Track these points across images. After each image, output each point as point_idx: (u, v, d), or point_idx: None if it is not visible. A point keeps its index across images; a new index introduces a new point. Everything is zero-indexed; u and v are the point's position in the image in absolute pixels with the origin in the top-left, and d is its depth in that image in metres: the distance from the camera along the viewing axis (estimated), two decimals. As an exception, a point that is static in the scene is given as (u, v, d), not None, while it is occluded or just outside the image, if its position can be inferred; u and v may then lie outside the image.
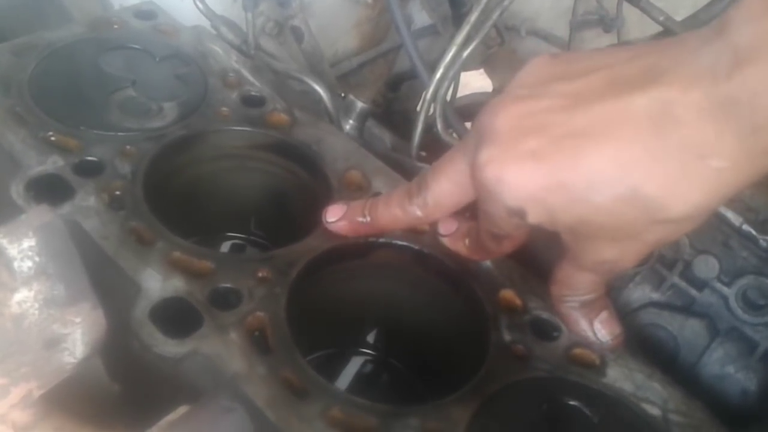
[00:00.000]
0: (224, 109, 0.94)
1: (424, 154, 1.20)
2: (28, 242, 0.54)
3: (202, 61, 1.01)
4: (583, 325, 0.72)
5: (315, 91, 1.04)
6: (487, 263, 0.82)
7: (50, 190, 0.77)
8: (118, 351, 0.67)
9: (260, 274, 0.75)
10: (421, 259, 0.83)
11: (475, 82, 1.80)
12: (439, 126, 1.06)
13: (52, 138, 0.83)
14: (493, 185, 0.62)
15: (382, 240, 0.82)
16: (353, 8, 1.67)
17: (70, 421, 0.65)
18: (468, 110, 1.45)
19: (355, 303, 0.88)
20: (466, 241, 0.77)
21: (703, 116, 0.52)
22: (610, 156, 0.56)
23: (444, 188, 0.71)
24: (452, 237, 0.79)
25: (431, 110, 1.06)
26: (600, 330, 0.72)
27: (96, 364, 0.67)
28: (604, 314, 0.72)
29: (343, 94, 1.44)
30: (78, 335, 0.60)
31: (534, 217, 0.62)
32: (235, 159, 0.94)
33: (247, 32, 1.07)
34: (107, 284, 0.70)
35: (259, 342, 0.69)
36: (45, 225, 0.55)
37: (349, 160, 0.92)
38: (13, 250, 0.54)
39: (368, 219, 0.78)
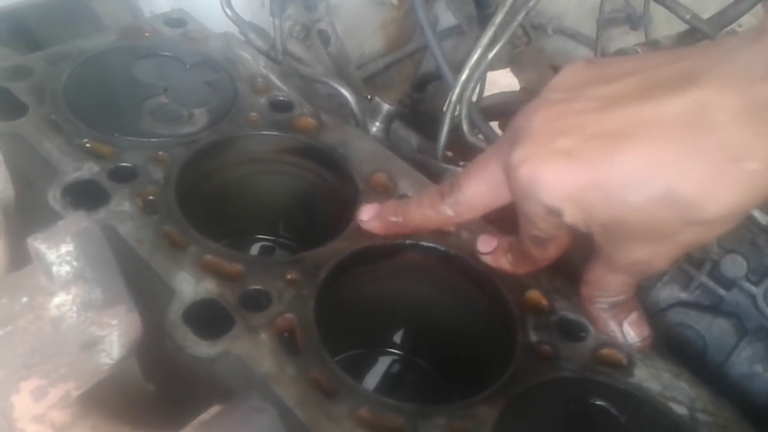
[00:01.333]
0: (253, 114, 0.96)
1: (450, 154, 1.21)
2: (66, 247, 0.56)
3: (231, 67, 1.03)
4: (612, 326, 0.72)
5: (341, 94, 1.06)
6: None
7: (86, 195, 0.79)
8: (154, 352, 0.69)
9: (289, 276, 0.77)
10: (447, 261, 0.84)
11: (503, 80, 1.79)
12: (465, 127, 1.07)
13: (87, 145, 0.86)
14: (528, 184, 0.62)
15: (409, 241, 0.83)
16: (379, 10, 1.68)
17: (108, 421, 0.67)
18: (495, 110, 1.46)
19: (382, 304, 0.89)
20: (509, 256, 0.77)
21: (740, 118, 0.52)
22: (645, 156, 0.56)
23: (477, 189, 0.71)
24: (493, 254, 0.78)
25: (457, 111, 1.07)
26: (629, 332, 0.72)
27: (132, 365, 0.69)
28: (633, 316, 0.72)
29: (369, 97, 1.45)
30: (114, 337, 0.62)
31: (570, 216, 0.62)
32: (264, 163, 0.96)
33: (275, 38, 1.09)
34: (142, 287, 0.72)
35: (288, 343, 0.71)
36: (82, 230, 0.57)
37: (374, 163, 0.93)
38: (51, 256, 0.56)
39: (400, 219, 0.78)
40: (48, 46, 1.05)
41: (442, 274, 0.86)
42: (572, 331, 0.77)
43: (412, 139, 1.27)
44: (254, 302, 0.73)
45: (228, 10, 1.11)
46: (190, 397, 0.74)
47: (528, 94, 1.54)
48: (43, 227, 0.60)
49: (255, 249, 1.00)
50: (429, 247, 0.84)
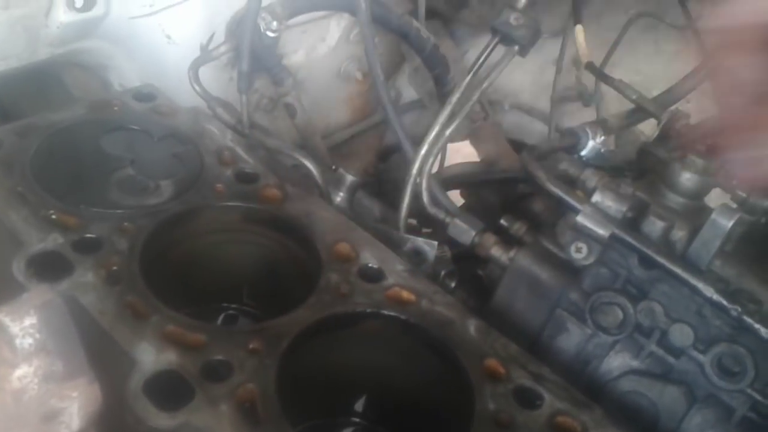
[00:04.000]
0: (219, 185, 0.98)
1: (414, 222, 1.24)
2: (30, 320, 0.57)
3: (198, 140, 1.06)
4: None
5: (305, 166, 1.09)
6: (471, 332, 0.85)
7: (50, 266, 0.80)
8: (114, 424, 0.69)
9: (251, 346, 0.78)
10: (407, 330, 0.86)
11: (465, 148, 1.86)
12: (426, 199, 1.11)
13: (53, 216, 0.87)
14: None
15: (369, 310, 0.85)
16: (344, 84, 1.75)
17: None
18: (456, 180, 1.51)
19: (344, 372, 0.90)
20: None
21: None
22: None
23: None
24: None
25: (418, 181, 1.11)
26: None
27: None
28: None
29: (334, 167, 1.50)
30: (75, 409, 0.62)
31: None
32: (229, 233, 0.98)
33: (241, 112, 1.13)
34: (104, 358, 0.73)
35: (249, 413, 0.71)
36: (46, 303, 0.58)
37: (337, 233, 0.96)
38: (15, 328, 0.56)
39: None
40: (19, 116, 1.07)
41: (403, 342, 0.87)
42: (528, 399, 0.79)
43: (375, 208, 1.31)
44: (215, 373, 0.74)
45: (196, 86, 1.15)
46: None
47: (487, 166, 1.60)
48: (9, 298, 0.61)
49: (219, 318, 1.01)
50: (389, 316, 0.86)
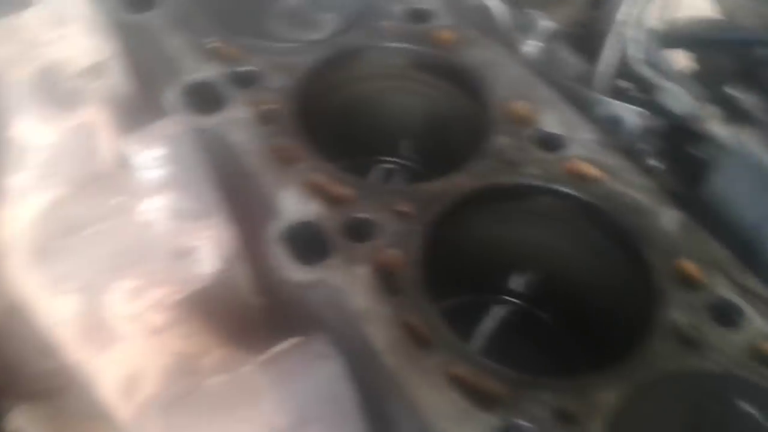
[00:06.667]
0: (387, 22, 0.87)
1: (625, 85, 1.03)
2: (159, 151, 0.53)
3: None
4: None
5: (486, 4, 0.93)
6: (667, 224, 0.69)
7: (203, 97, 0.76)
8: (260, 266, 0.66)
9: (400, 208, 0.69)
10: (585, 211, 0.72)
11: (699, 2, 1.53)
12: (635, 54, 0.91)
13: (214, 45, 0.82)
14: None
15: (539, 183, 0.72)
16: None
17: (202, 330, 0.66)
18: (685, 38, 1.24)
19: (503, 249, 0.79)
20: None
21: None
22: None
23: None
24: None
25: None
26: None
27: (235, 276, 0.67)
28: None
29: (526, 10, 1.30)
30: (208, 249, 0.59)
31: None
32: (393, 79, 0.87)
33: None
34: (245, 199, 0.69)
35: (388, 280, 0.64)
36: (177, 135, 0.53)
37: (516, 89, 0.81)
38: (143, 158, 0.52)
39: None
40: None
41: (579, 225, 0.74)
42: (727, 316, 0.63)
43: (573, 62, 1.12)
44: (357, 231, 0.67)
45: None
46: (290, 319, 0.71)
47: (725, 23, 1.30)
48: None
49: (375, 171, 0.93)
50: (567, 194, 0.73)
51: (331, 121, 0.85)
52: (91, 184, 0.59)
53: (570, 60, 1.10)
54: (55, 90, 0.64)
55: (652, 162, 0.88)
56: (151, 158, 0.53)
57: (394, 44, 0.85)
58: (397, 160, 0.93)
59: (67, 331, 0.59)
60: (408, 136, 0.91)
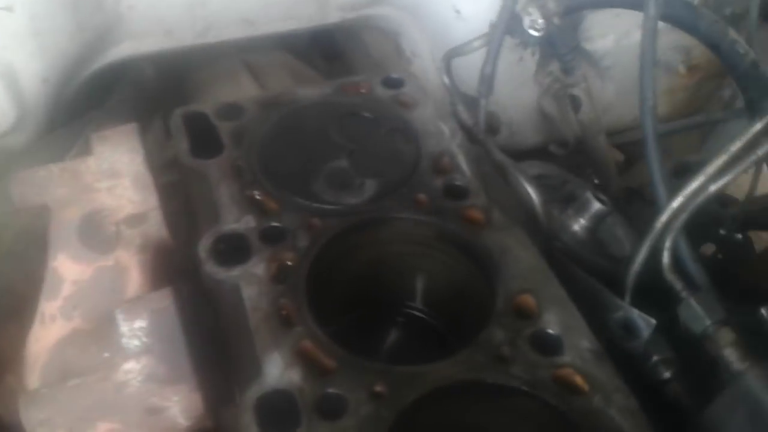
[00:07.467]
0: (422, 195, 0.92)
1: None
2: (140, 323, 0.60)
3: (424, 139, 1.00)
4: None
5: (527, 193, 0.96)
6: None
7: (232, 248, 0.84)
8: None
9: (376, 388, 0.72)
10: (563, 425, 0.72)
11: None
12: (665, 261, 0.89)
13: (257, 197, 0.90)
14: None
15: (521, 387, 0.73)
16: (662, 75, 1.51)
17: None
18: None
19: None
20: None
21: None
22: None
23: None
24: None
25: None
26: None
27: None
28: None
29: (596, 182, 1.32)
30: (177, 411, 0.65)
31: None
32: (416, 245, 0.91)
33: (478, 116, 1.03)
34: (239, 357, 0.75)
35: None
36: (160, 309, 0.61)
37: (527, 281, 0.83)
38: (125, 328, 0.60)
39: None
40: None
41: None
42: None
43: (627, 244, 1.12)
44: (331, 409, 0.71)
45: (446, 77, 1.08)
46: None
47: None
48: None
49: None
50: (543, 401, 0.73)
51: (348, 279, 0.90)
52: (103, 326, 0.68)
53: (626, 238, 1.10)
54: (98, 233, 0.74)
55: (666, 373, 0.86)
56: (133, 328, 0.61)
57: (422, 217, 0.90)
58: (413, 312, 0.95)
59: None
60: (422, 292, 0.94)
